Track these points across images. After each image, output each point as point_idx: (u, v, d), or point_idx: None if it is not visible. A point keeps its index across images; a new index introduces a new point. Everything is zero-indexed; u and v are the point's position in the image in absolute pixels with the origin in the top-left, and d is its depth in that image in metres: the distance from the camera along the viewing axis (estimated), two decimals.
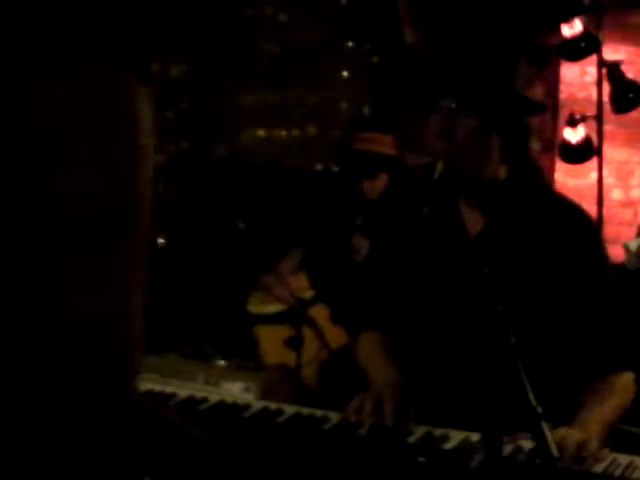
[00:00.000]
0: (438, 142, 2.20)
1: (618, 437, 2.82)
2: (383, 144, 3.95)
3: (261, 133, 5.60)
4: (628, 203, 5.20)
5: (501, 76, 2.22)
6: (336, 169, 5.34)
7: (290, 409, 2.25)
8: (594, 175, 4.83)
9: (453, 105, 2.17)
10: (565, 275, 2.26)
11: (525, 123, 2.30)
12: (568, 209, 2.34)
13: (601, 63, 4.67)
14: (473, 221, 2.30)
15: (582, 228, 2.31)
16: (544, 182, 2.46)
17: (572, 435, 1.98)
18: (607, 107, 4.68)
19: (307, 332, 3.54)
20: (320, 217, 4.74)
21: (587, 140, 4.74)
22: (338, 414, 2.21)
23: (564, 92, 5.24)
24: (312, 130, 5.50)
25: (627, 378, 2.29)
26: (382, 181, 3.95)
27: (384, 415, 2.11)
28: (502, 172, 2.30)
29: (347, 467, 1.94)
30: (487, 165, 2.26)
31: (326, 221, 4.54)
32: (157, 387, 2.45)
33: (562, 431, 2.00)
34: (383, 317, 2.47)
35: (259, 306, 4.37)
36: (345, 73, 5.42)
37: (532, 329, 2.18)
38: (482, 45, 2.27)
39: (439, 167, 2.11)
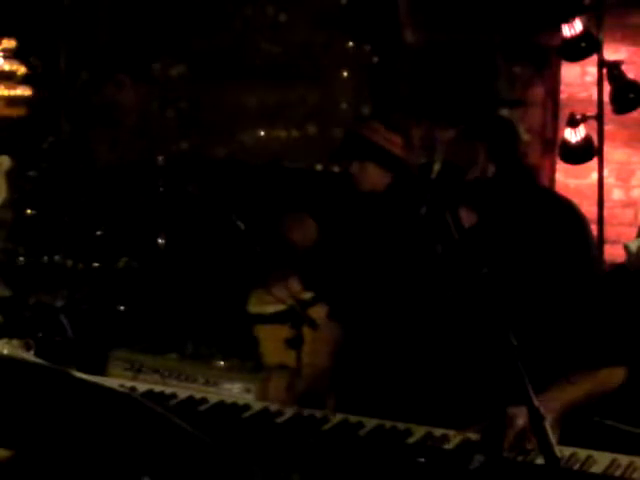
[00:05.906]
0: (421, 153, 2.22)
1: (618, 437, 2.82)
2: (384, 138, 3.95)
3: (261, 133, 5.59)
4: (629, 203, 5.19)
5: (481, 82, 2.25)
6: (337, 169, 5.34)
7: (290, 410, 2.25)
8: (595, 175, 4.83)
9: (430, 121, 2.21)
10: (549, 271, 2.27)
11: (509, 124, 2.31)
12: (557, 205, 2.35)
13: (601, 63, 4.67)
14: (465, 218, 2.31)
15: (569, 224, 2.32)
16: (534, 179, 2.48)
17: (522, 413, 1.95)
18: (608, 107, 4.68)
19: (307, 332, 3.53)
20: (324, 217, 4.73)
21: (588, 140, 4.74)
22: (338, 415, 2.21)
23: (564, 92, 5.23)
24: (312, 130, 5.49)
25: (604, 373, 2.27)
26: (372, 172, 3.95)
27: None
28: (490, 171, 2.31)
29: (347, 467, 1.94)
30: (473, 169, 2.27)
31: (330, 221, 4.54)
32: (157, 387, 2.45)
33: (514, 409, 1.97)
34: (354, 310, 2.51)
35: (259, 306, 4.36)
36: (345, 73, 5.41)
37: (522, 325, 2.18)
38: (463, 49, 2.30)
39: (436, 167, 2.11)
